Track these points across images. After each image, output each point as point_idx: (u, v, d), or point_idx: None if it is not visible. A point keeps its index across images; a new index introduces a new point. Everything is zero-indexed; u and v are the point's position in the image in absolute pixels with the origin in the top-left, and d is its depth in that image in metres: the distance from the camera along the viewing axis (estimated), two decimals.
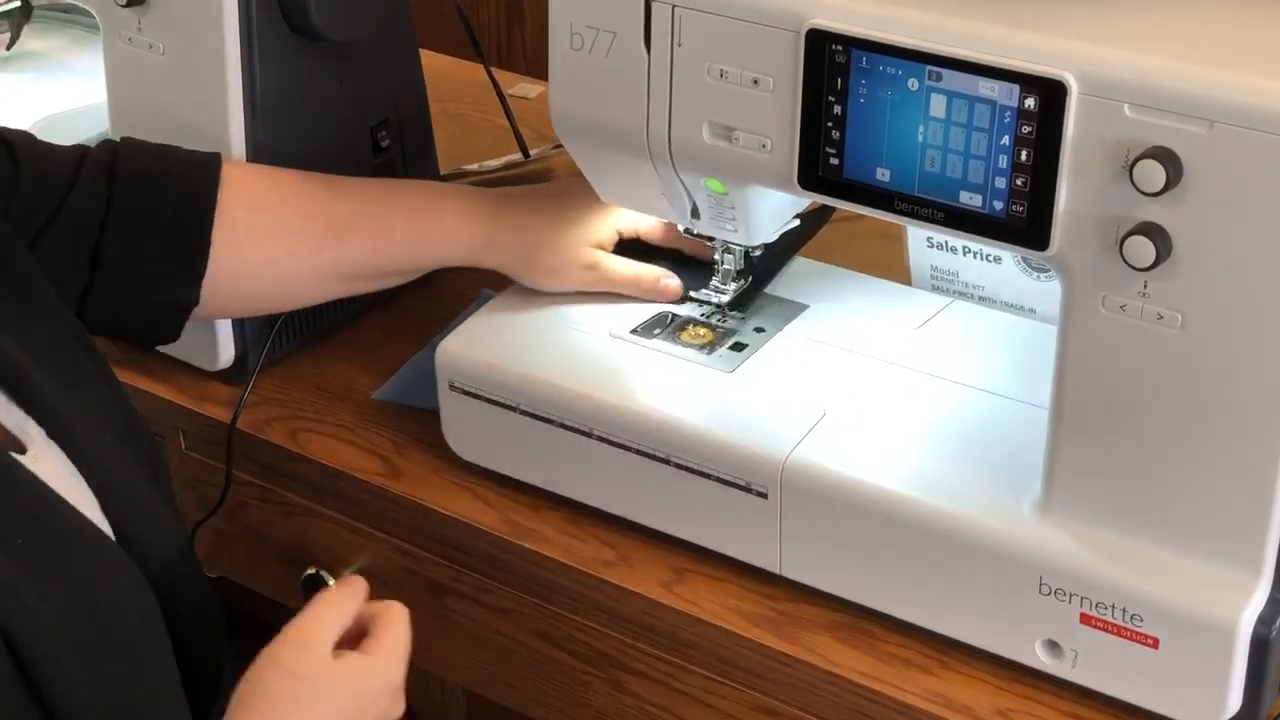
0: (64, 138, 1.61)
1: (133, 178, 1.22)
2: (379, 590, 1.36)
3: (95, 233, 1.20)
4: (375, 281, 1.33)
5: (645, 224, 1.32)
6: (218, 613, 1.16)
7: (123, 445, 1.12)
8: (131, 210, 1.21)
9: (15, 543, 0.95)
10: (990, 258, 1.30)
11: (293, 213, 1.27)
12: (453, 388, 1.29)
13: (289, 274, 1.28)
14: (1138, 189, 0.98)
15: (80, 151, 1.23)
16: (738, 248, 1.29)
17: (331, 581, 1.38)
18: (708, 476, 1.19)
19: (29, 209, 1.18)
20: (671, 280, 1.31)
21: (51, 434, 1.05)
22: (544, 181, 1.67)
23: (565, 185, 1.34)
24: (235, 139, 1.37)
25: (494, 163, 1.72)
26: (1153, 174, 0.97)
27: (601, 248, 1.32)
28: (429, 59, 1.56)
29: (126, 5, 1.35)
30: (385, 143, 1.48)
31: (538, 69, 1.98)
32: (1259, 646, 1.04)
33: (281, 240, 1.26)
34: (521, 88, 1.87)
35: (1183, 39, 0.99)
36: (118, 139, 1.27)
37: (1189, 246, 0.99)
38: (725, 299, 1.31)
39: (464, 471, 1.32)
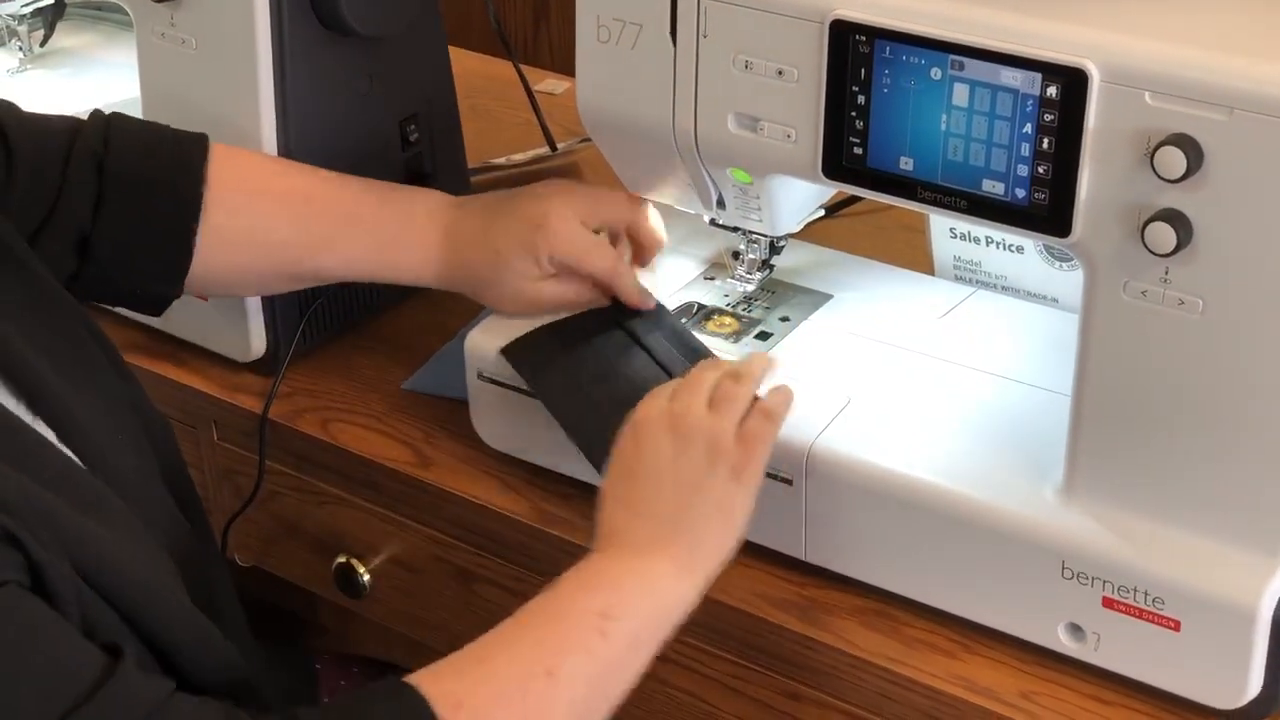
0: None
1: (121, 177, 1.23)
2: (409, 578, 1.39)
3: (86, 229, 1.21)
4: (347, 283, 1.37)
5: (574, 263, 1.27)
6: (236, 604, 1.18)
7: (129, 439, 1.12)
8: (119, 212, 1.22)
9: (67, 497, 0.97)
10: (1012, 247, 1.31)
11: (269, 224, 1.29)
12: (482, 377, 1.30)
13: (260, 275, 1.31)
14: (1159, 176, 0.99)
15: (70, 135, 1.23)
16: (762, 238, 1.30)
17: (362, 569, 1.40)
18: None
19: (25, 204, 1.19)
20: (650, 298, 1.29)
21: (61, 437, 1.05)
22: (568, 176, 1.69)
23: (502, 210, 1.29)
24: (266, 133, 1.39)
25: (521, 156, 1.73)
26: (1173, 161, 0.98)
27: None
28: (457, 56, 1.58)
29: (159, 1, 1.37)
30: (414, 136, 1.49)
31: (564, 66, 2.00)
32: (1279, 629, 1.06)
33: (256, 249, 1.29)
34: (548, 84, 1.88)
35: (1202, 27, 1.00)
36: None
37: (1210, 233, 1.00)
38: (750, 288, 1.32)
39: (493, 460, 1.33)
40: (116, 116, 1.26)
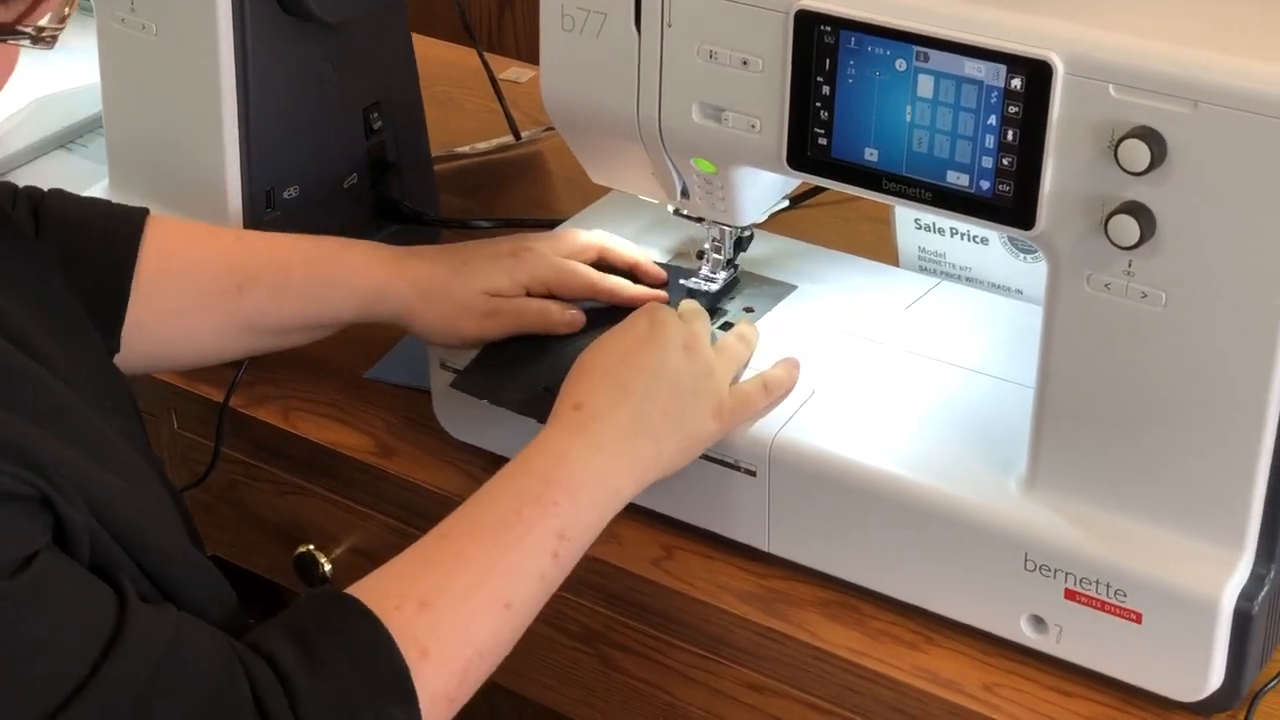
0: (58, 118, 1.63)
1: (58, 220, 1.23)
2: (371, 569, 1.38)
3: None
4: (280, 335, 1.32)
5: (555, 278, 1.27)
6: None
7: (122, 414, 1.13)
8: (54, 252, 1.21)
9: (80, 445, 0.98)
10: (977, 239, 1.31)
11: (199, 261, 1.28)
12: (444, 367, 1.30)
13: (195, 322, 1.28)
14: (1122, 168, 0.99)
15: (11, 189, 1.25)
16: (727, 230, 1.29)
17: (323, 559, 1.39)
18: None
19: None
20: (576, 312, 1.27)
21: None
22: (532, 165, 1.68)
23: (469, 244, 1.31)
24: (227, 121, 1.38)
25: (485, 145, 1.73)
26: (1137, 153, 0.98)
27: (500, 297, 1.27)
28: (421, 44, 1.57)
29: None
30: (377, 124, 1.49)
31: (529, 54, 1.99)
32: (1241, 621, 1.05)
33: (187, 287, 1.27)
34: (513, 71, 1.88)
35: (1167, 20, 1.00)
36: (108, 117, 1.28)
37: (1173, 225, 1.00)
38: (714, 288, 1.31)
39: (455, 450, 1.33)
40: (55, 188, 1.28)
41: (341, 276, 1.28)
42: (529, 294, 1.27)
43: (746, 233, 1.31)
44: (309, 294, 1.29)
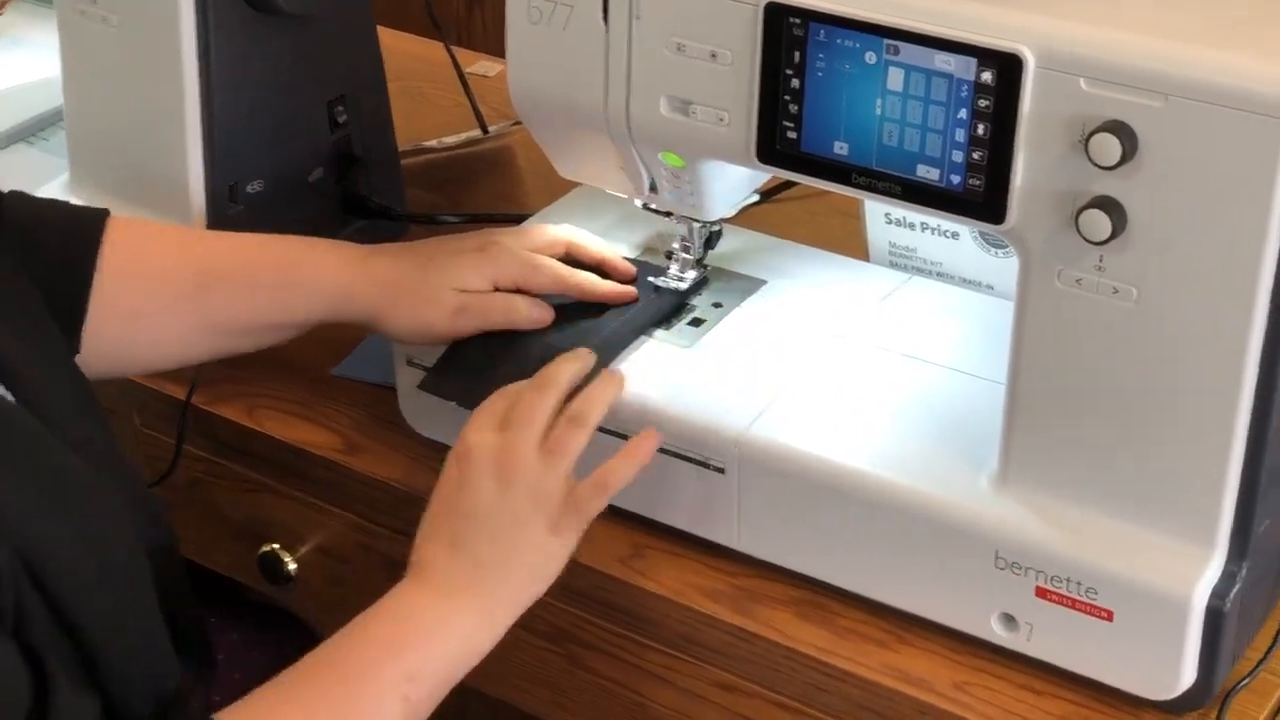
0: (18, 112, 1.62)
1: (16, 221, 1.22)
2: (337, 567, 1.37)
3: None
4: (245, 338, 1.30)
5: (523, 274, 1.25)
6: (185, 577, 1.19)
7: (91, 417, 1.12)
8: (13, 254, 1.20)
9: (26, 478, 0.98)
10: (948, 233, 1.30)
11: (163, 261, 1.27)
12: (410, 363, 1.29)
13: (159, 325, 1.27)
14: (1094, 163, 0.98)
15: None
16: (695, 227, 1.28)
17: (288, 558, 1.38)
18: (666, 452, 1.18)
19: None
20: (544, 307, 1.25)
21: (20, 399, 1.05)
22: (500, 159, 1.67)
23: (436, 240, 1.30)
24: (190, 114, 1.37)
25: (452, 139, 1.72)
26: (1108, 148, 0.97)
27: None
28: (390, 37, 1.56)
29: None
30: (342, 118, 1.47)
31: (498, 48, 1.98)
32: (1213, 619, 1.05)
33: (151, 289, 1.26)
34: (481, 65, 1.87)
35: (1138, 13, 1.00)
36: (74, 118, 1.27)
37: (1144, 220, 0.99)
38: (683, 286, 1.30)
39: (421, 447, 1.32)
40: (14, 190, 1.27)
41: (308, 278, 1.27)
42: (496, 290, 1.26)
43: (715, 228, 1.30)
44: (275, 296, 1.27)
